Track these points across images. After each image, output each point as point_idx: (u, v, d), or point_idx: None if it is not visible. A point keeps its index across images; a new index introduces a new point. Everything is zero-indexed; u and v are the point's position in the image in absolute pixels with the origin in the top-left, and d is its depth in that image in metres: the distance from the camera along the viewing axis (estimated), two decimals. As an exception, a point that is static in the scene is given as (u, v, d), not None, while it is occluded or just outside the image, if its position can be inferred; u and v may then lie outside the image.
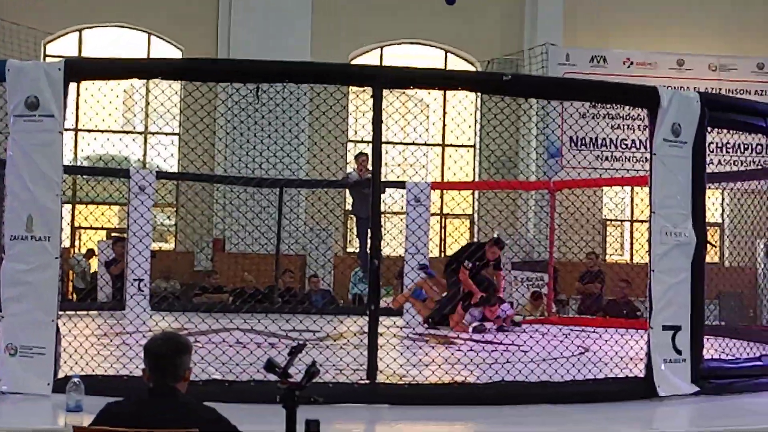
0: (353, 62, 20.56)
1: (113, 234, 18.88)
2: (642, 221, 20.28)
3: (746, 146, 19.88)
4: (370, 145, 7.35)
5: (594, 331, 10.18)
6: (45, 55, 20.10)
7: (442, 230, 21.06)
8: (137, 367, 6.59)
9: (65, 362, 7.08)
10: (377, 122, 7.12)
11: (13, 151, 6.94)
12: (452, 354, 8.32)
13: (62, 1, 19.81)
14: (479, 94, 15.62)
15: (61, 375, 6.78)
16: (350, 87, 12.89)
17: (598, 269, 16.87)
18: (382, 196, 8.07)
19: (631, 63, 20.48)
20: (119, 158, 19.21)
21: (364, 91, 7.70)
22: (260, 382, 6.47)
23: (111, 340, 9.56)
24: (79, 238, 20.00)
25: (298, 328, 10.61)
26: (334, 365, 7.42)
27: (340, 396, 6.48)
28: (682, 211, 7.58)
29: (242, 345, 8.61)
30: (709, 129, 7.82)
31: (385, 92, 7.26)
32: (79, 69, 7.31)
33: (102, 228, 19.45)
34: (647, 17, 21.26)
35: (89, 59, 13.36)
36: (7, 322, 6.85)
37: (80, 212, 18.44)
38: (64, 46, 20.45)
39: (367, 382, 6.95)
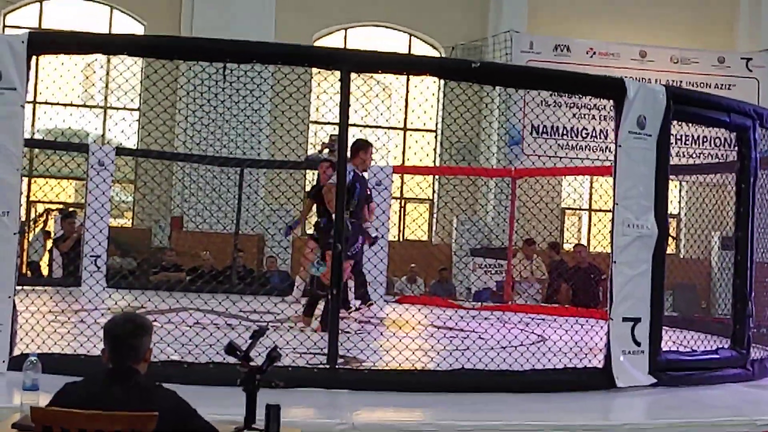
0: (317, 44, 20.46)
1: (62, 210, 18.66)
2: (601, 211, 20.41)
3: (704, 138, 20.04)
4: (333, 127, 7.31)
5: (554, 320, 10.22)
6: (4, 26, 19.85)
7: (402, 213, 21.07)
8: (95, 346, 6.55)
9: (21, 339, 6.99)
10: (344, 106, 7.06)
11: (-27, 123, 6.82)
12: (413, 340, 8.30)
13: (23, -29, 19.57)
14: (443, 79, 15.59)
15: (17, 352, 6.70)
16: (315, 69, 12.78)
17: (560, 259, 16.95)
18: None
19: (594, 53, 20.56)
20: (78, 133, 19.01)
21: (331, 74, 7.61)
22: (220, 364, 6.42)
23: (68, 318, 9.45)
24: (35, 212, 19.77)
25: (258, 309, 10.55)
26: (294, 349, 7.39)
27: (299, 380, 6.46)
28: (645, 203, 7.61)
29: (201, 326, 8.55)
30: (673, 122, 7.87)
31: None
32: (43, 42, 7.19)
33: (58, 203, 19.25)
34: (611, 7, 21.35)
35: (53, 32, 13.19)
36: (-38, 298, 6.74)
37: (40, 187, 18.24)
38: (23, 18, 20.19)
39: (327, 367, 6.94)
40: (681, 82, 20.34)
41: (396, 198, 19.66)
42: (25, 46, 6.79)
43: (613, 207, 7.56)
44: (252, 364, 4.51)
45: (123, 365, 4.15)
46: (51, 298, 11.12)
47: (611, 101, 7.79)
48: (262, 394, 4.45)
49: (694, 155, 20.14)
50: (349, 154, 10.00)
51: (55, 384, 4.21)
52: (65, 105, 18.71)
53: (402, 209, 21.08)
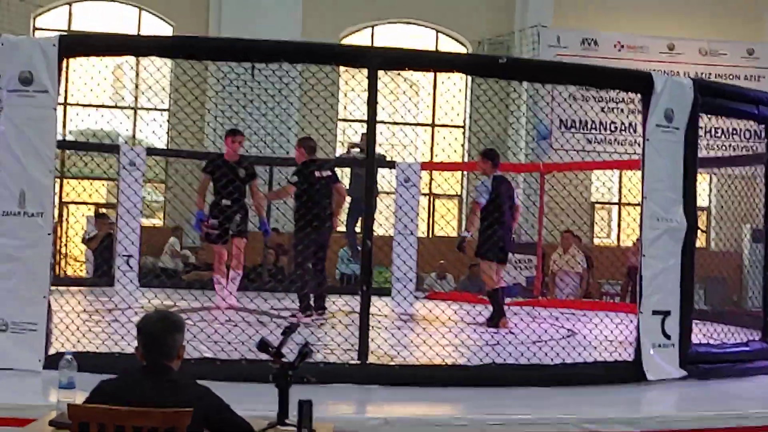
0: (344, 41, 20.51)
1: (97, 210, 18.85)
2: (630, 204, 20.35)
3: (734, 131, 19.93)
4: (362, 125, 7.35)
5: (584, 315, 10.22)
6: (34, 29, 20.02)
7: (431, 210, 21.09)
8: (129, 344, 6.63)
9: (56, 338, 7.09)
10: (372, 104, 7.11)
11: (6, 126, 6.91)
12: (443, 336, 8.33)
13: (52, -25, 19.73)
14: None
15: (52, 351, 6.79)
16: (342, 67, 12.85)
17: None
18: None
19: (622, 46, 20.49)
20: (109, 133, 19.15)
21: (359, 71, 7.66)
22: (252, 360, 6.49)
23: (103, 317, 9.55)
24: (68, 213, 19.95)
25: (289, 306, 10.62)
26: (325, 345, 7.44)
27: (331, 376, 6.51)
28: (673, 197, 7.62)
29: (233, 323, 8.62)
30: (702, 115, 7.86)
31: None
32: (74, 45, 7.27)
33: (90, 203, 19.40)
34: (638, 0, 21.25)
35: (84, 35, 13.27)
36: (-2, 298, 6.85)
37: (73, 188, 18.37)
38: (53, 20, 20.37)
39: (358, 362, 6.99)
40: (710, 74, 20.24)
41: (425, 194, 19.67)
42: (57, 48, 6.89)
43: (642, 200, 7.57)
44: (284, 360, 4.57)
45: (157, 362, 4.21)
46: (86, 297, 11.23)
47: (639, 94, 7.80)
48: (294, 390, 4.50)
49: (723, 147, 20.04)
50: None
51: (90, 382, 4.27)
52: (96, 106, 18.85)
53: (431, 205, 21.10)
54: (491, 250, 10.84)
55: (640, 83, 7.70)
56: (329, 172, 10.96)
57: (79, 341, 7.21)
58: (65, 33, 18.65)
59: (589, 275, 16.35)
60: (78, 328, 7.47)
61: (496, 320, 10.74)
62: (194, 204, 11.37)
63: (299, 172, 10.75)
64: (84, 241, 16.84)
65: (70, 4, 20.44)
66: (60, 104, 7.11)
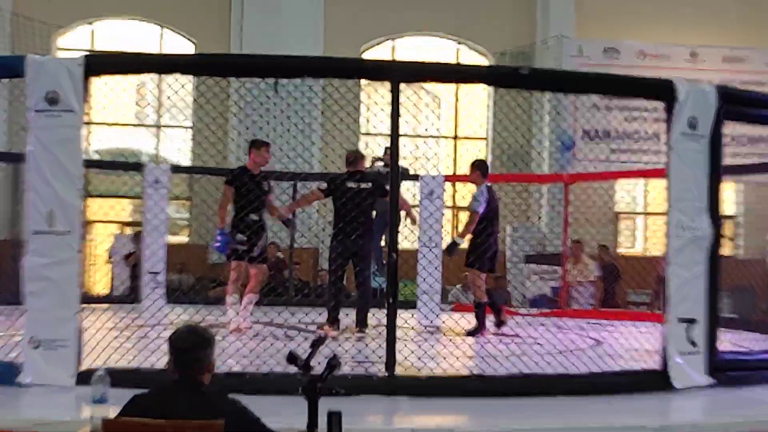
0: (365, 55, 20.60)
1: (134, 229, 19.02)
2: (655, 214, 20.28)
3: (759, 138, 19.85)
4: (385, 138, 7.38)
5: (611, 324, 10.22)
6: (57, 49, 20.21)
7: (455, 222, 21.08)
8: (158, 360, 6.69)
9: (87, 354, 7.15)
10: (395, 117, 7.15)
11: (33, 146, 6.99)
12: (470, 347, 8.36)
13: (73, -5, 19.90)
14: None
15: (83, 367, 6.86)
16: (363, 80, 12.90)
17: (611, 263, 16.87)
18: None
19: (645, 55, 20.46)
20: (134, 152, 19.33)
21: (381, 84, 7.70)
22: (280, 373, 6.53)
23: (133, 333, 9.63)
24: (91, 232, 20.10)
25: (317, 320, 10.66)
26: (352, 357, 7.47)
27: (359, 388, 6.51)
28: (699, 205, 7.61)
29: (261, 337, 8.67)
30: (726, 122, 7.85)
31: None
32: (99, 64, 7.35)
33: (115, 221, 19.54)
34: (660, 9, 21.21)
35: (109, 54, 13.40)
36: (29, 316, 6.92)
37: (100, 206, 18.54)
38: (75, 40, 20.55)
39: (386, 374, 7.02)
40: (734, 81, 20.16)
41: (448, 207, 19.67)
42: (82, 68, 6.97)
43: (667, 209, 7.57)
44: (312, 372, 4.60)
45: (188, 376, 4.26)
46: (115, 314, 11.31)
47: (662, 103, 7.80)
48: (322, 402, 4.52)
49: (749, 155, 19.95)
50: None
51: (121, 397, 4.32)
52: (124, 125, 19.04)
53: (455, 218, 21.10)
54: (483, 260, 10.89)
55: (664, 91, 7.70)
56: (369, 185, 10.84)
57: (110, 357, 7.27)
58: (89, 52, 18.83)
59: (614, 285, 16.32)
60: (109, 344, 7.53)
61: (476, 331, 10.79)
62: (212, 220, 11.14)
63: (331, 181, 10.77)
64: (109, 258, 17.00)
65: (91, 23, 20.61)
66: (85, 123, 7.17)
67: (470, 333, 10.90)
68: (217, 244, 10.69)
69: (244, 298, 10.74)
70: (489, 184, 11.16)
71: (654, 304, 16.10)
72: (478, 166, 11.29)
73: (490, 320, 11.20)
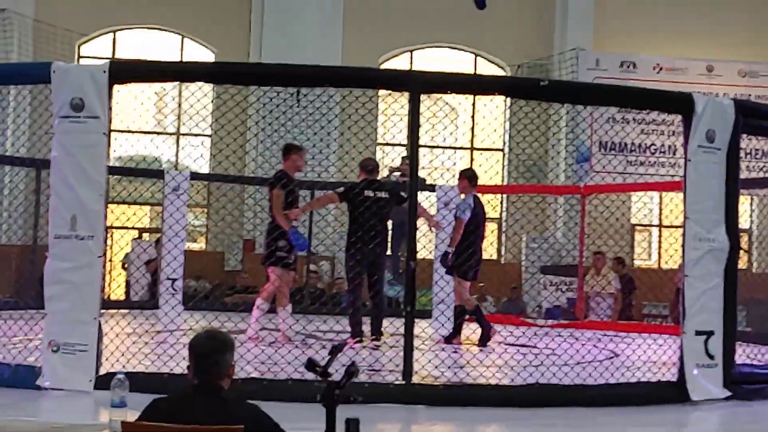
0: (383, 65, 20.65)
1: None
2: (671, 226, 20.26)
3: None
4: (401, 148, 7.41)
5: (627, 336, 10.22)
6: (79, 56, 20.35)
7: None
8: (177, 365, 6.74)
9: (106, 359, 7.20)
10: (414, 127, 7.19)
11: (57, 151, 7.07)
12: (487, 356, 8.38)
13: (96, 3, 20.01)
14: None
15: (102, 372, 6.91)
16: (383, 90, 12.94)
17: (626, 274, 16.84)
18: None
19: (661, 68, 20.45)
20: (154, 159, 19.44)
21: (401, 94, 7.75)
22: (298, 380, 6.57)
23: (152, 338, 9.69)
24: (111, 238, 20.20)
25: (335, 328, 10.69)
26: (369, 365, 7.50)
27: (376, 396, 6.55)
28: (716, 217, 7.62)
29: (279, 344, 8.72)
30: (742, 136, 7.87)
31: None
32: (124, 71, 7.42)
33: (133, 228, 19.64)
34: (677, 23, 21.20)
35: (133, 62, 13.47)
36: (50, 320, 6.98)
37: (123, 212, 18.61)
38: (97, 48, 20.68)
39: (403, 382, 7.04)
40: (749, 95, 20.14)
41: (465, 217, 19.67)
42: (107, 75, 7.04)
43: (684, 221, 7.59)
44: (330, 379, 4.62)
45: (207, 381, 4.28)
46: (135, 319, 11.37)
47: (679, 116, 7.83)
48: (340, 410, 4.55)
49: (764, 169, 19.93)
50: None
51: (140, 402, 4.35)
52: (144, 132, 19.13)
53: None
54: (468, 269, 10.88)
55: (682, 104, 7.73)
56: (386, 194, 10.73)
57: (129, 362, 7.32)
58: (112, 60, 18.96)
59: (630, 297, 16.29)
60: (128, 349, 7.58)
61: (452, 338, 10.85)
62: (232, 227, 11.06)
63: (350, 189, 10.63)
64: (123, 265, 17.13)
65: (113, 32, 20.75)
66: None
67: (447, 339, 10.94)
68: (300, 242, 10.47)
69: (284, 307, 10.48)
70: (477, 194, 11.12)
71: (672, 315, 16.04)
72: (467, 175, 11.27)
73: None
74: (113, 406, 5.86)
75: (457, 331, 10.97)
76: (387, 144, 20.51)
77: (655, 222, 21.86)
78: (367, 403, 4.96)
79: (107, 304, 13.85)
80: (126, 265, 17.88)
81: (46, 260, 7.18)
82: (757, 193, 18.19)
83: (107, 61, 7.51)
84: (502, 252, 21.03)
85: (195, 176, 15.95)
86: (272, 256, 10.25)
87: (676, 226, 7.68)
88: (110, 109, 7.09)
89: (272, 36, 19.54)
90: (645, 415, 6.92)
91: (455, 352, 9.62)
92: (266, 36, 19.67)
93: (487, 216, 11.42)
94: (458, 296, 11.06)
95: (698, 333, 7.44)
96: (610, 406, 7.07)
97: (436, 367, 7.72)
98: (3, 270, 16.60)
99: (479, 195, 11.22)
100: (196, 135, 20.59)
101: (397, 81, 7.85)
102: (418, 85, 7.31)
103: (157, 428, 4.02)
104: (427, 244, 12.93)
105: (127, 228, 19.07)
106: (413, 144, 7.29)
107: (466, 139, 21.88)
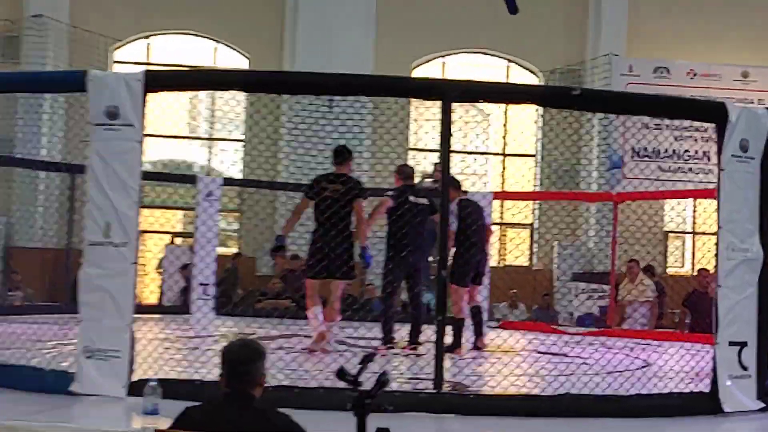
0: (415, 72, 20.65)
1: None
2: (705, 234, 20.11)
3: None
4: (432, 154, 7.40)
5: (659, 345, 10.16)
6: (113, 62, 20.49)
7: (502, 239, 21.05)
8: (209, 371, 6.78)
9: (139, 365, 7.25)
10: (446, 136, 7.20)
11: (92, 159, 7.14)
12: (518, 366, 8.36)
13: (130, 9, 20.14)
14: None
15: (135, 378, 6.94)
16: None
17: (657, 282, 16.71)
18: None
19: (695, 74, 20.32)
20: (183, 164, 19.53)
21: (434, 102, 7.75)
22: (329, 388, 6.58)
23: (185, 344, 9.73)
24: (143, 242, 20.30)
25: (366, 336, 10.69)
26: (400, 374, 7.50)
27: (406, 405, 6.54)
28: (750, 227, 7.57)
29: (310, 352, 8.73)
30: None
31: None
32: (159, 80, 7.49)
33: (165, 232, 19.72)
34: (711, 28, 21.08)
35: (167, 70, 13.58)
36: (83, 326, 7.04)
37: (156, 218, 18.72)
38: (131, 53, 20.81)
39: (434, 391, 7.04)
40: (785, 102, 19.99)
41: (496, 224, 19.66)
42: (142, 83, 7.11)
43: (718, 231, 7.53)
44: (362, 388, 4.63)
45: (239, 389, 4.31)
46: (168, 325, 11.43)
47: (713, 124, 7.79)
48: (371, 419, 4.56)
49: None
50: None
51: (172, 409, 4.39)
52: (178, 137, 19.22)
53: (503, 235, 21.06)
54: (462, 276, 10.79)
55: (715, 113, 7.67)
56: (426, 201, 10.63)
57: (161, 368, 7.36)
58: (147, 67, 19.13)
59: (661, 305, 16.17)
60: (161, 355, 7.62)
61: (453, 348, 10.67)
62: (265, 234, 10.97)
63: (398, 194, 10.44)
64: (158, 268, 17.21)
65: (147, 38, 20.89)
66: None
67: (447, 349, 10.79)
68: (370, 257, 10.29)
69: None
70: (465, 197, 10.99)
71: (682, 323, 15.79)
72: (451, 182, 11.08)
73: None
74: (146, 413, 5.92)
75: (457, 342, 10.82)
76: (419, 149, 20.51)
77: (689, 229, 21.70)
78: (396, 412, 4.97)
79: (139, 308, 14.00)
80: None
81: (80, 266, 7.25)
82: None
83: (142, 69, 7.58)
84: (534, 259, 20.96)
85: (228, 181, 16.01)
86: (349, 269, 9.93)
87: (710, 234, 7.65)
88: (144, 116, 7.14)
89: (305, 42, 19.58)
90: (677, 427, 6.89)
91: (486, 360, 9.60)
92: (299, 42, 19.71)
93: (488, 217, 11.25)
94: (456, 305, 10.90)
95: (732, 344, 7.38)
96: (642, 416, 7.03)
97: (467, 376, 7.71)
98: (38, 274, 16.75)
99: (469, 197, 11.08)
100: (230, 140, 20.67)
101: (430, 90, 7.85)
102: (452, 94, 7.30)
103: (188, 436, 4.05)
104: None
105: (159, 232, 19.16)
106: (444, 152, 7.29)
107: (498, 145, 21.84)
